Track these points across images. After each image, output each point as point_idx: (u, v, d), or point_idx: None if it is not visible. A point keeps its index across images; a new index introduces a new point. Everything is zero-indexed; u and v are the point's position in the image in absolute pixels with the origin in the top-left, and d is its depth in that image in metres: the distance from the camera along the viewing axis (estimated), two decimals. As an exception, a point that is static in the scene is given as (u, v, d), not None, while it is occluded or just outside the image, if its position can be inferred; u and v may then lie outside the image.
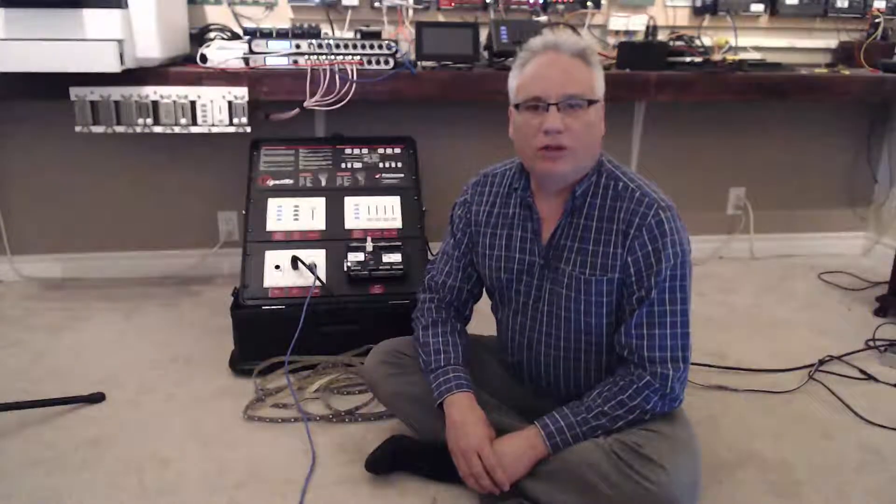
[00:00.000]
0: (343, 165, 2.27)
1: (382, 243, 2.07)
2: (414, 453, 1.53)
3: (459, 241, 1.54)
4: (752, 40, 2.73)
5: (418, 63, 2.29)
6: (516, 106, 1.34)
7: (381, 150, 2.32)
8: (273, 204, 2.15)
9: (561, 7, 2.58)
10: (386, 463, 1.52)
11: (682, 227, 1.34)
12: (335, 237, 2.09)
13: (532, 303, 1.45)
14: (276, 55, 2.18)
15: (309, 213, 2.14)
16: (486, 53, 2.45)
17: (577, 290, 1.37)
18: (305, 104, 2.17)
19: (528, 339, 1.48)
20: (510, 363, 1.57)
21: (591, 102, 1.30)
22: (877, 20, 2.69)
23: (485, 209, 1.49)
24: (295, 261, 2.00)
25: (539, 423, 1.36)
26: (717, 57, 2.51)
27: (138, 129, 2.15)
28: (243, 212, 2.14)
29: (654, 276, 1.30)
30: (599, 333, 1.40)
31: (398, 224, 2.15)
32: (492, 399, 1.51)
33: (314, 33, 2.21)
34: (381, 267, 2.01)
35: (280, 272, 2.00)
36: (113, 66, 1.94)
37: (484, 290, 1.58)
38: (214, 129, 2.18)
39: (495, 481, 1.34)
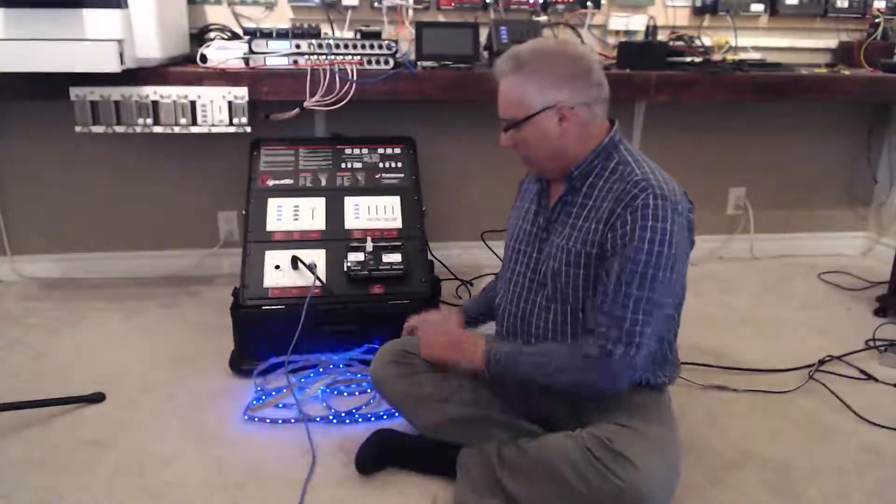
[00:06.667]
0: (343, 165, 2.27)
1: (382, 243, 2.07)
2: (399, 446, 1.56)
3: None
4: (752, 40, 2.73)
5: (418, 63, 2.28)
6: None
7: (381, 150, 2.32)
8: (273, 204, 2.15)
9: (561, 7, 2.57)
10: (372, 460, 1.54)
11: (677, 223, 1.31)
12: (335, 237, 2.09)
13: (530, 274, 1.49)
14: (276, 55, 2.17)
15: (309, 213, 2.14)
16: (486, 53, 2.45)
17: (558, 260, 1.41)
18: (305, 104, 2.17)
19: (521, 311, 1.51)
20: (505, 337, 1.59)
21: (527, 119, 1.36)
22: (877, 20, 2.69)
23: (526, 187, 1.64)
24: (295, 261, 2.00)
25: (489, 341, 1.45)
26: (717, 57, 2.51)
27: (138, 129, 2.15)
28: (243, 212, 2.14)
29: (628, 255, 1.30)
30: (579, 308, 1.42)
31: (398, 224, 2.15)
32: (492, 399, 1.52)
33: (314, 33, 2.21)
34: (380, 267, 2.01)
35: (280, 272, 2.00)
36: (113, 66, 1.94)
37: None
38: (214, 129, 2.18)
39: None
